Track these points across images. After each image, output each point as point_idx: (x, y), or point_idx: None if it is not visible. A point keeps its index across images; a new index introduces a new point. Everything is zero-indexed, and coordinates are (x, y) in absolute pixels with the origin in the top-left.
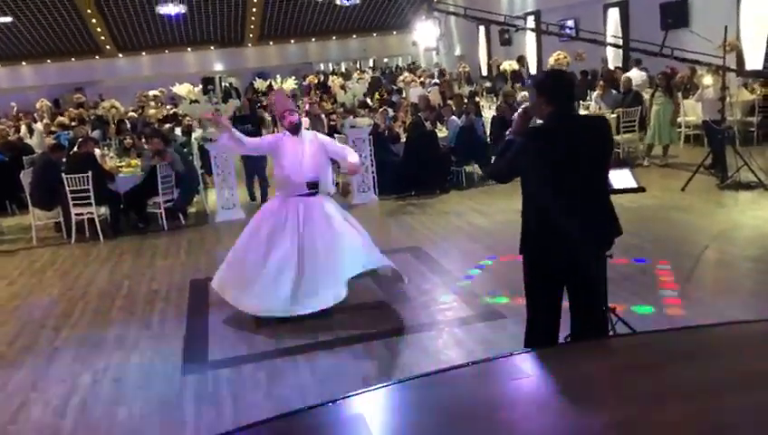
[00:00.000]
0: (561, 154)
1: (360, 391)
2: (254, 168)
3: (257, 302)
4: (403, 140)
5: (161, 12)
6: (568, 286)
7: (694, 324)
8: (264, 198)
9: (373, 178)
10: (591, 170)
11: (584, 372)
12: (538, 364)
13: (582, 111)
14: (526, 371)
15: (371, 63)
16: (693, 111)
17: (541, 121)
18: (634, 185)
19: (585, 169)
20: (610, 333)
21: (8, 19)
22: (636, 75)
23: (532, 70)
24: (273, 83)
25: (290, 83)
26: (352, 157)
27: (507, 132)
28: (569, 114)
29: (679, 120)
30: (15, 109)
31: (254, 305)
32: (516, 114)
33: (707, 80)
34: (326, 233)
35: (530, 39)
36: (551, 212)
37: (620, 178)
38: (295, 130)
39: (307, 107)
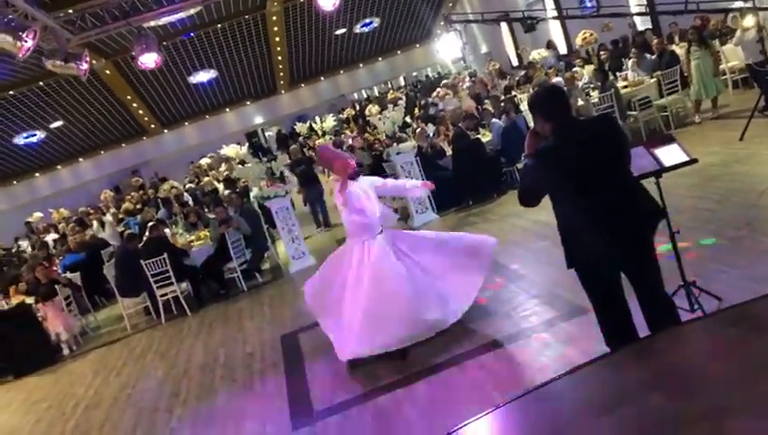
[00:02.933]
0: (573, 165)
1: (475, 418)
2: (314, 197)
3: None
4: (449, 153)
5: (194, 81)
6: (627, 276)
7: None
8: (327, 223)
9: (428, 197)
10: (609, 169)
11: (689, 356)
12: (634, 359)
13: (621, 83)
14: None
15: (402, 81)
16: (735, 56)
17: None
18: (686, 158)
19: (602, 169)
20: (695, 308)
21: (60, 123)
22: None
23: (563, 51)
24: (313, 125)
25: (329, 122)
26: (413, 183)
27: (523, 156)
28: (569, 125)
29: (722, 67)
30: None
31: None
32: (527, 136)
33: (748, 20)
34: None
35: (553, 21)
36: (582, 220)
37: (670, 153)
38: (357, 174)
39: (350, 141)
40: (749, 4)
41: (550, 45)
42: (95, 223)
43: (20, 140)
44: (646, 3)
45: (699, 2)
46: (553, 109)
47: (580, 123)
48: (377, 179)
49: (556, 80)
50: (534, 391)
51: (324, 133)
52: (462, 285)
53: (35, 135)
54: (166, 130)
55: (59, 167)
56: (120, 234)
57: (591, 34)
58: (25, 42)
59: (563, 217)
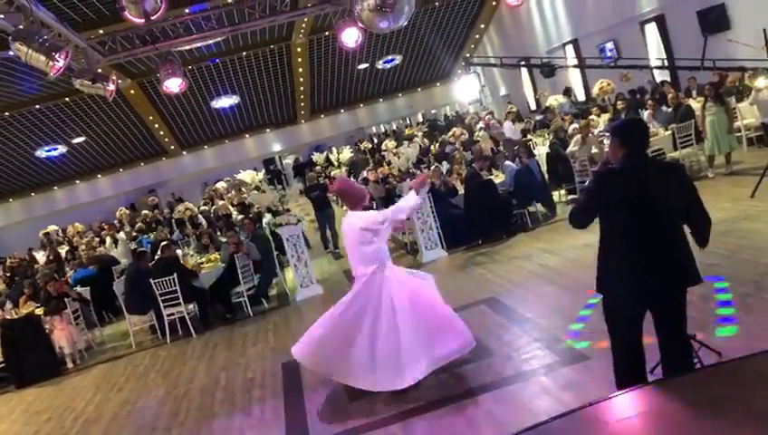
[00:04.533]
0: (631, 194)
1: None
2: (326, 220)
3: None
4: (461, 191)
5: (216, 106)
6: (653, 315)
7: None
8: (336, 245)
9: (438, 233)
10: (664, 214)
11: (685, 405)
12: (637, 403)
13: None
14: (628, 411)
15: (420, 118)
16: (751, 114)
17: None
18: None
19: (658, 211)
20: (695, 361)
21: (81, 138)
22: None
23: (581, 98)
24: (329, 156)
25: (346, 154)
26: (407, 198)
27: (592, 170)
28: (641, 157)
29: (737, 124)
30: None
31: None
32: (599, 163)
33: (761, 82)
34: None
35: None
36: (626, 251)
37: None
38: (365, 209)
39: (365, 174)
40: (764, 65)
41: (567, 92)
42: (108, 239)
43: (41, 153)
44: (665, 56)
45: (716, 59)
46: (632, 137)
47: (650, 160)
48: (376, 218)
49: (573, 127)
50: (526, 431)
51: (341, 164)
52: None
53: (57, 149)
54: (185, 152)
55: (77, 181)
56: (132, 251)
57: (609, 84)
58: (57, 61)
59: (608, 242)
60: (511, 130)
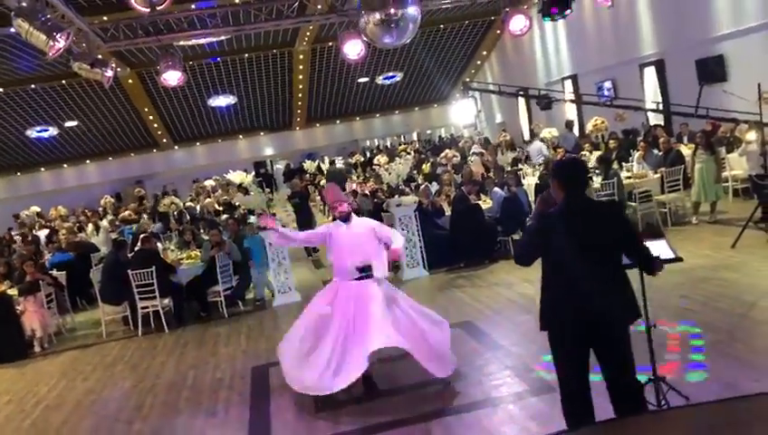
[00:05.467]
0: (570, 234)
1: None
2: (308, 225)
3: (310, 383)
4: (448, 213)
5: (213, 104)
6: (596, 355)
7: (749, 391)
8: (316, 249)
9: (421, 252)
10: (604, 253)
11: None
12: None
13: (625, 173)
14: None
15: (414, 136)
16: (739, 165)
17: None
18: (671, 256)
19: (598, 250)
20: (662, 402)
21: (74, 123)
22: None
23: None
24: (321, 165)
25: (338, 165)
26: (398, 242)
27: (529, 218)
28: (581, 199)
29: (725, 174)
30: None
31: (307, 385)
32: (538, 200)
33: (751, 135)
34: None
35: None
36: (567, 291)
37: (657, 248)
38: (346, 218)
39: (354, 186)
40: (755, 118)
41: (569, 126)
42: (90, 226)
43: (32, 133)
44: (661, 100)
45: (710, 108)
46: (572, 180)
47: (591, 201)
48: (375, 223)
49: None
50: None
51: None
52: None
53: (48, 130)
54: (176, 147)
55: (65, 165)
56: (113, 241)
57: (603, 122)
58: (58, 42)
59: (549, 281)
60: (537, 151)
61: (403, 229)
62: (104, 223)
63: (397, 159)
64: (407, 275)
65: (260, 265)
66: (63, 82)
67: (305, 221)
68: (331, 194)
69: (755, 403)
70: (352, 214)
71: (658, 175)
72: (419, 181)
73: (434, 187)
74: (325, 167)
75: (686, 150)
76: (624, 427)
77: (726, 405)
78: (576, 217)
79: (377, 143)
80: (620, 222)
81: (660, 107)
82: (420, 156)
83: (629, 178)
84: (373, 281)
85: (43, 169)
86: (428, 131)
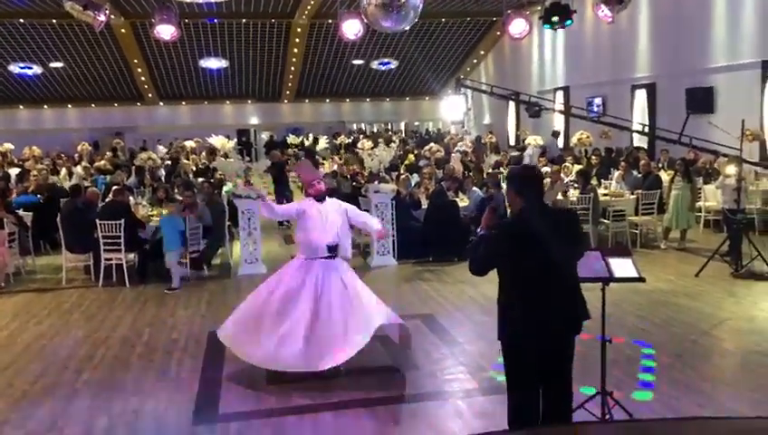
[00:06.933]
0: (528, 245)
1: None
2: (283, 194)
3: (269, 355)
4: (425, 206)
5: (204, 65)
6: (541, 370)
7: (691, 415)
8: (289, 223)
9: (393, 241)
10: (560, 262)
11: None
12: None
13: (602, 190)
14: None
15: (402, 126)
16: (714, 197)
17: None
18: (635, 275)
19: (553, 259)
20: (607, 416)
21: (60, 64)
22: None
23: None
24: (305, 141)
25: (322, 144)
26: (377, 224)
27: (479, 229)
28: (537, 207)
29: (699, 204)
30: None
31: (265, 357)
32: (486, 212)
33: (730, 169)
34: (342, 298)
35: (558, 114)
36: (522, 300)
37: (622, 266)
38: (323, 198)
39: (335, 167)
40: (736, 153)
41: (555, 135)
42: (64, 171)
43: (15, 68)
44: (648, 122)
45: (694, 137)
46: (528, 187)
47: (547, 209)
48: (349, 207)
49: (545, 169)
50: None
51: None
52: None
53: (32, 69)
54: (161, 103)
55: (45, 106)
56: (70, 187)
57: (588, 137)
58: None
59: (506, 290)
60: (529, 157)
61: (378, 217)
62: (78, 169)
63: (382, 145)
64: (375, 262)
65: (171, 250)
66: (54, 21)
67: (282, 192)
68: (307, 172)
69: (693, 427)
70: (327, 194)
71: (635, 196)
72: (401, 171)
73: (414, 178)
74: (309, 144)
75: (664, 176)
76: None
77: (667, 425)
78: (535, 224)
79: (364, 127)
80: (576, 232)
81: (646, 130)
82: (405, 146)
83: (606, 195)
84: (341, 260)
85: (21, 106)
86: (416, 123)
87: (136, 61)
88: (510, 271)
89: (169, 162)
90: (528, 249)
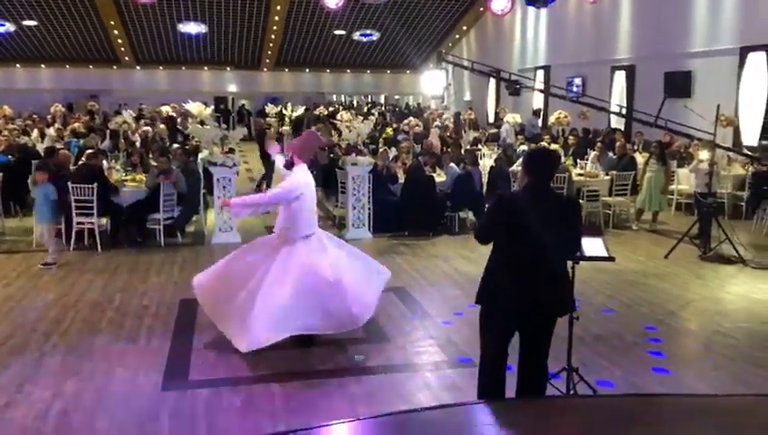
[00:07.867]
0: (525, 220)
1: (327, 423)
2: (269, 170)
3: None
4: (402, 181)
5: (182, 30)
6: (521, 337)
7: (652, 392)
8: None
9: (369, 215)
10: (552, 244)
11: (541, 427)
12: (498, 416)
13: (577, 170)
14: (486, 421)
15: (383, 99)
16: (687, 181)
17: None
18: (604, 254)
19: (546, 241)
20: (571, 392)
21: (33, 22)
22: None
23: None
24: (283, 110)
25: (300, 113)
26: (246, 199)
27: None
28: (543, 188)
29: (672, 187)
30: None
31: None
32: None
33: (704, 154)
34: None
35: (538, 93)
36: (510, 270)
37: (593, 245)
38: (290, 166)
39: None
40: (710, 138)
41: (537, 113)
42: (36, 132)
43: None
44: (626, 104)
45: (670, 120)
46: (540, 167)
47: (553, 191)
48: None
49: (522, 148)
50: (391, 416)
51: (291, 121)
52: (368, 296)
53: (4, 26)
54: (138, 67)
55: (17, 65)
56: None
57: (566, 117)
58: None
59: (496, 256)
60: (506, 132)
61: (354, 189)
62: (51, 131)
63: (360, 117)
64: (350, 235)
65: (42, 222)
66: None
67: (268, 165)
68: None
69: (655, 403)
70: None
71: (609, 177)
72: (380, 145)
73: (392, 152)
74: (287, 113)
75: (639, 159)
76: (534, 406)
77: (628, 400)
78: (538, 200)
79: (343, 99)
80: (574, 220)
81: (624, 111)
82: (384, 120)
83: (581, 175)
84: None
85: None
86: (396, 96)
87: (113, 22)
88: (505, 240)
89: (147, 128)
90: (525, 223)
